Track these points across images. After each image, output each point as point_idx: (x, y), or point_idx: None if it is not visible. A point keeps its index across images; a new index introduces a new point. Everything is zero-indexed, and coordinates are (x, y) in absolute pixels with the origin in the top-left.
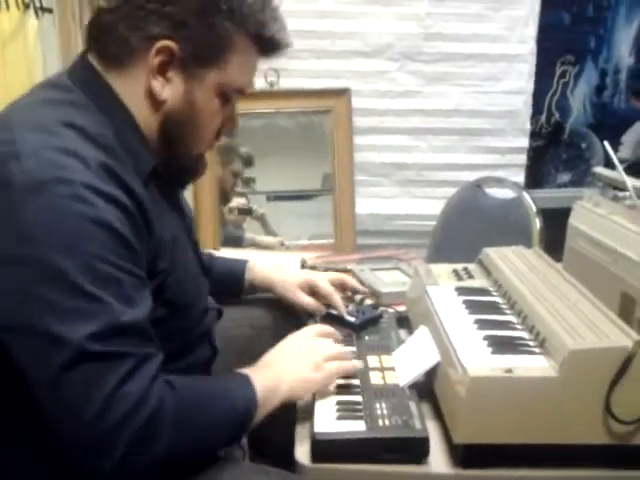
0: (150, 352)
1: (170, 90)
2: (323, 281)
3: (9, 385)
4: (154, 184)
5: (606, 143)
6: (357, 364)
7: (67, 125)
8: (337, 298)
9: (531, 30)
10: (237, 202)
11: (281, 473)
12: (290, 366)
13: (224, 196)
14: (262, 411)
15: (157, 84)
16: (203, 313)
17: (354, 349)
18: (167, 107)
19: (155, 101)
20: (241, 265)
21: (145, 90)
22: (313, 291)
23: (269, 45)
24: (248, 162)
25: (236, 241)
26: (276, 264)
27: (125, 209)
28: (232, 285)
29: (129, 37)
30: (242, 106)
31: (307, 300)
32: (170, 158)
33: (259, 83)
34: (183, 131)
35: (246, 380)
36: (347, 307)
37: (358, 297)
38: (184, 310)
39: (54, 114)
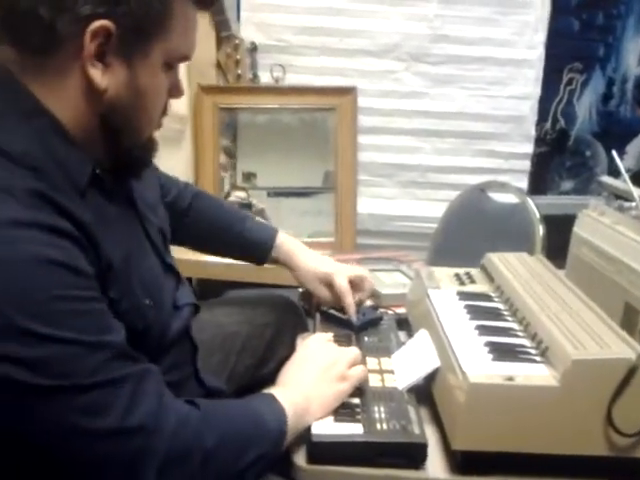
0: (145, 367)
1: (110, 76)
2: (341, 278)
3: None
4: (96, 190)
5: (614, 152)
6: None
7: None
8: (350, 300)
9: (540, 36)
10: (236, 196)
11: None
12: (318, 385)
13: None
14: (294, 431)
15: (96, 72)
16: (170, 316)
17: None
18: (108, 97)
19: (94, 92)
20: (270, 240)
21: (78, 83)
22: (330, 285)
23: None
24: (230, 154)
25: None
26: (303, 248)
27: (67, 235)
28: (256, 258)
29: (54, 21)
30: (246, 101)
31: (324, 294)
32: (118, 152)
33: (264, 78)
34: (129, 118)
35: (272, 398)
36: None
37: (357, 298)
38: (144, 330)
39: None
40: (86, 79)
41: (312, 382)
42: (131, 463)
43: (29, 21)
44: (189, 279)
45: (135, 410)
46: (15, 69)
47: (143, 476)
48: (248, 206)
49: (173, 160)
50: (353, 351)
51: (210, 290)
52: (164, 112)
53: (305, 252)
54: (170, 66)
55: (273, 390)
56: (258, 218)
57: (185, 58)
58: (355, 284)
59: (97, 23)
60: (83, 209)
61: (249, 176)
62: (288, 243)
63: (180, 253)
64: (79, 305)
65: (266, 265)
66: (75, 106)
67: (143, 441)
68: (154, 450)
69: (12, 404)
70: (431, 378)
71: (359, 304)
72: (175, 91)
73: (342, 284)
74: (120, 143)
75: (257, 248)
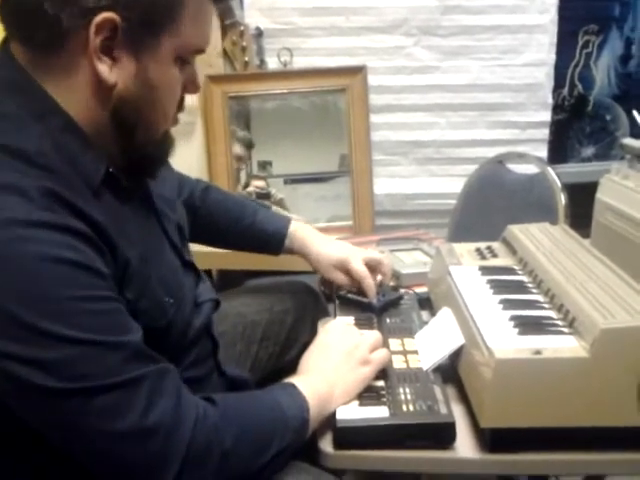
0: (162, 367)
1: (119, 71)
2: (357, 261)
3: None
4: (110, 190)
5: (635, 112)
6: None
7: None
8: (369, 283)
9: None
10: (255, 186)
11: (322, 474)
12: (341, 371)
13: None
14: (317, 419)
15: (103, 67)
16: (191, 313)
17: None
18: (118, 91)
19: (103, 88)
20: (283, 229)
21: (86, 78)
22: (346, 270)
23: None
24: (248, 145)
25: None
26: (316, 234)
27: (81, 235)
28: (271, 249)
29: (58, 16)
30: (256, 87)
31: (341, 280)
32: (131, 149)
33: (272, 64)
34: (141, 114)
35: (293, 388)
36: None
37: (378, 279)
38: (166, 328)
39: None
40: (94, 74)
41: (334, 368)
42: (150, 463)
43: (35, 16)
44: (209, 271)
45: (153, 409)
46: (28, 67)
47: (163, 476)
48: (266, 196)
49: (185, 153)
50: (374, 335)
51: (230, 280)
52: (180, 108)
53: (318, 239)
54: (184, 60)
55: (294, 379)
56: (276, 208)
57: (198, 52)
58: (371, 267)
59: (101, 16)
60: (98, 209)
61: (264, 165)
62: (301, 231)
63: (198, 245)
64: (93, 305)
65: (282, 255)
66: (86, 103)
67: (162, 440)
68: (173, 449)
69: (27, 406)
70: (456, 356)
71: (379, 286)
72: (191, 86)
73: (359, 268)
74: (133, 139)
75: (271, 239)
